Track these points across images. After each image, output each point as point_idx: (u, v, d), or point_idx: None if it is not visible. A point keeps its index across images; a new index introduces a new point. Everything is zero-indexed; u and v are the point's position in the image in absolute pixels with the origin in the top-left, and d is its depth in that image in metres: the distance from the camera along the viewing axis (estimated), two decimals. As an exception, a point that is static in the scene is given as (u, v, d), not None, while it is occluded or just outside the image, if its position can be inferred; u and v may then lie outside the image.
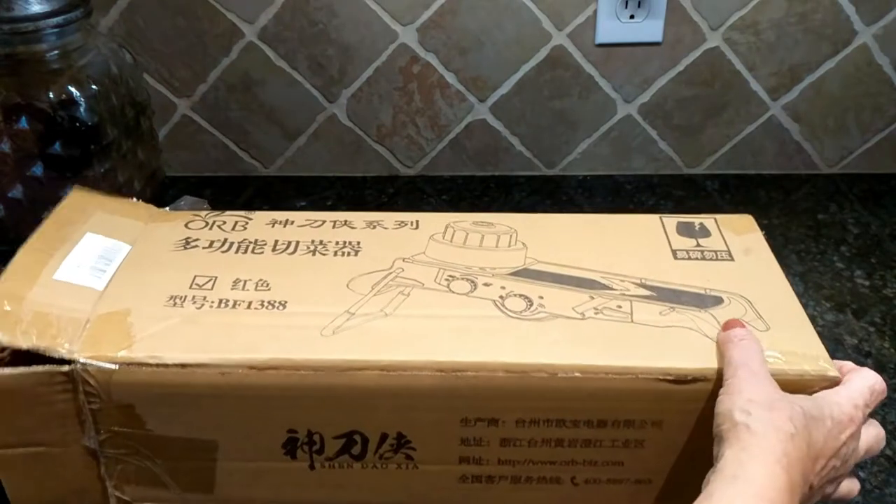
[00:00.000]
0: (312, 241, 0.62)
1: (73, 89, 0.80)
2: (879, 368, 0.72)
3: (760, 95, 0.99)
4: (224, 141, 1.01)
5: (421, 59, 0.96)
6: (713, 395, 0.49)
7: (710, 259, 0.61)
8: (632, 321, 0.54)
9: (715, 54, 0.96)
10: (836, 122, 1.01)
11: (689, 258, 0.61)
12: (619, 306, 0.56)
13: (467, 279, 0.58)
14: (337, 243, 0.62)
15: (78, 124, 0.80)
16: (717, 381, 0.50)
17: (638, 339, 0.53)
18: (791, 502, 0.43)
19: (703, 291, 0.57)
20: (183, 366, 0.50)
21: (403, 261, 0.60)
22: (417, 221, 0.65)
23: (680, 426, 0.52)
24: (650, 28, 0.94)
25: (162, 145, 0.99)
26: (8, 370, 0.50)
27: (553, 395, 0.51)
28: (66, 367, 0.50)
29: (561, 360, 0.51)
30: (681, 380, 0.50)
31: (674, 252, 0.62)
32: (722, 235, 0.64)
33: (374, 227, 0.64)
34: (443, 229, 0.64)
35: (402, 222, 0.65)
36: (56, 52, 0.80)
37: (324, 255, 0.60)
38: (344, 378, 0.51)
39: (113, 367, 0.50)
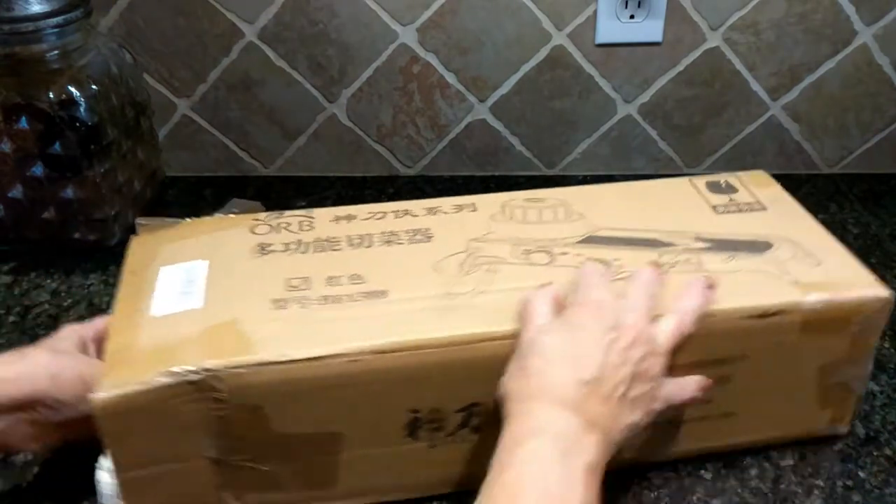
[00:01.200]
0: (383, 233, 0.64)
1: (73, 89, 0.80)
2: (879, 368, 0.72)
3: (760, 95, 0.99)
4: (224, 141, 1.01)
5: (421, 59, 0.96)
6: (793, 327, 0.57)
7: (746, 211, 0.68)
8: (703, 270, 0.60)
9: (715, 54, 0.96)
10: (836, 122, 1.01)
11: (729, 212, 0.67)
12: (688, 259, 0.61)
13: (543, 251, 0.62)
14: (407, 232, 0.64)
15: (78, 124, 0.80)
16: (796, 313, 0.57)
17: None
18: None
19: (752, 238, 0.64)
20: (312, 359, 0.51)
21: (476, 241, 0.63)
22: (473, 204, 0.68)
23: (762, 358, 0.58)
24: (650, 28, 0.94)
25: (162, 145, 0.99)
26: (137, 386, 0.50)
27: None
28: (194, 377, 0.50)
29: (661, 310, 0.55)
30: (766, 314, 0.56)
31: (714, 207, 0.68)
32: (748, 189, 0.70)
33: (435, 213, 0.67)
34: (500, 209, 0.67)
35: (459, 206, 0.68)
36: (56, 52, 0.80)
37: (399, 244, 0.63)
38: (465, 352, 0.53)
39: (243, 369, 0.51)
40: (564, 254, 0.62)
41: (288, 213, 0.67)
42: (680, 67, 0.97)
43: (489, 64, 0.96)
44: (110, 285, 0.83)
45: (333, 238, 0.64)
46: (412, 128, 1.00)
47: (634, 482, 0.61)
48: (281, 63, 0.96)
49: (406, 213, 0.67)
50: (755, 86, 0.98)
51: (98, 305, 0.80)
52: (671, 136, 1.02)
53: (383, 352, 0.52)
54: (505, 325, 0.54)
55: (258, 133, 1.01)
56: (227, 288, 0.58)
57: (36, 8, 0.78)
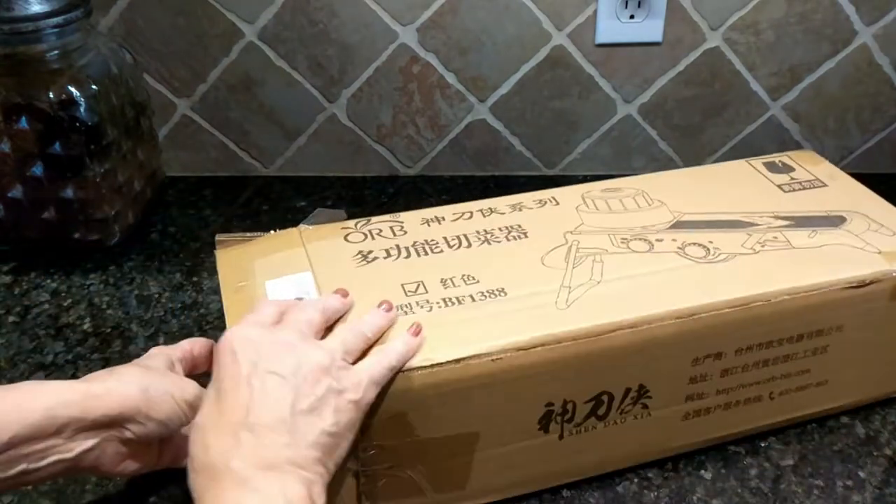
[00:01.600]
0: (478, 232, 0.65)
1: (73, 89, 0.80)
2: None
3: (760, 95, 0.99)
4: (224, 141, 1.01)
5: (421, 59, 0.96)
6: (883, 294, 0.61)
7: (809, 188, 0.71)
8: (792, 247, 0.63)
9: (715, 54, 0.96)
10: (836, 122, 1.01)
11: (794, 190, 0.71)
12: (775, 237, 0.64)
13: (639, 238, 0.64)
14: (502, 230, 0.65)
15: (78, 124, 0.80)
16: (887, 281, 0.61)
17: (808, 259, 0.62)
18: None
19: (825, 213, 0.67)
20: (457, 361, 0.52)
21: (572, 234, 0.65)
22: (553, 197, 0.70)
23: (856, 327, 0.62)
24: (650, 28, 0.93)
25: (162, 145, 0.99)
26: None
27: (766, 321, 0.58)
28: None
29: (769, 289, 0.58)
30: (861, 284, 0.60)
31: (779, 187, 0.71)
32: (804, 168, 0.74)
33: (521, 209, 0.68)
34: (581, 200, 0.69)
35: (541, 200, 0.70)
36: (56, 52, 0.80)
37: (497, 242, 0.64)
38: (600, 342, 0.54)
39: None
40: (660, 240, 0.63)
41: (375, 219, 0.67)
42: (680, 67, 0.97)
43: (489, 64, 0.96)
44: (110, 285, 0.83)
45: (431, 240, 0.64)
46: (412, 128, 1.00)
47: (634, 482, 0.61)
48: (281, 63, 0.96)
49: (492, 211, 0.68)
50: (755, 86, 0.98)
51: (98, 305, 0.80)
52: (671, 136, 1.02)
53: (525, 348, 0.53)
54: (632, 314, 0.55)
55: (258, 133, 1.01)
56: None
57: (36, 8, 0.78)
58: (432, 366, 0.52)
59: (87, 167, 0.82)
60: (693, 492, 0.61)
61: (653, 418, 0.59)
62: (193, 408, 0.53)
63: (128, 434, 0.52)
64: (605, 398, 0.57)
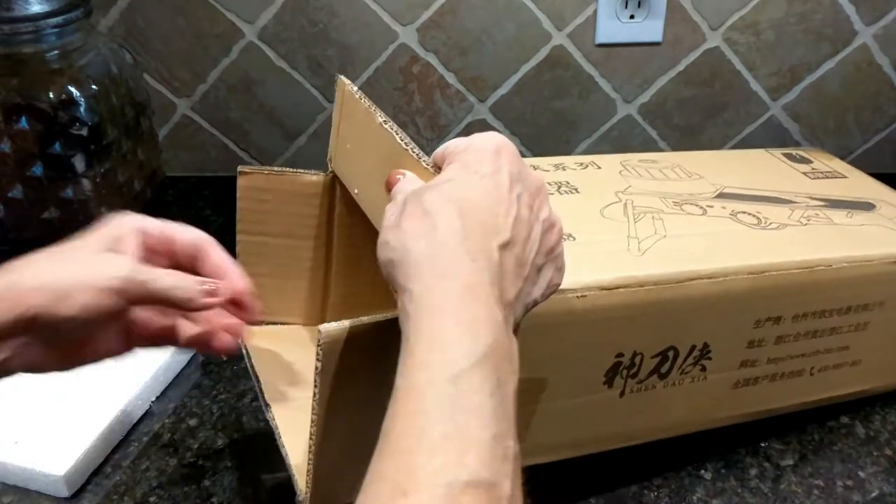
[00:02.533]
0: None
1: (73, 89, 0.80)
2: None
3: (760, 95, 0.99)
4: (224, 141, 1.01)
5: (421, 59, 0.96)
6: None
7: (831, 177, 0.73)
8: (835, 223, 0.64)
9: (715, 54, 0.96)
10: (836, 122, 1.01)
11: (818, 178, 0.72)
12: (817, 214, 0.65)
13: (691, 203, 0.64)
14: (551, 184, 0.65)
15: (78, 124, 0.80)
16: None
17: (855, 235, 0.63)
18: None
19: (855, 199, 0.69)
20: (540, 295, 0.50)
21: (623, 193, 0.64)
22: (594, 162, 0.70)
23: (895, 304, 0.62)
24: (650, 28, 0.94)
25: (162, 145, 0.99)
26: (362, 322, 0.45)
27: (825, 287, 0.59)
28: None
29: (829, 255, 0.59)
30: None
31: (805, 174, 0.73)
32: (820, 161, 0.76)
33: (564, 168, 0.68)
34: (622, 167, 0.69)
35: (583, 164, 0.69)
36: (56, 52, 0.80)
37: (550, 194, 0.61)
38: (678, 290, 0.54)
39: None
40: (711, 206, 0.64)
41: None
42: (680, 67, 0.97)
43: (489, 64, 0.96)
44: (110, 285, 0.83)
45: None
46: (412, 128, 1.00)
47: (634, 482, 0.61)
48: (281, 63, 0.96)
49: (535, 168, 0.65)
50: (755, 86, 0.98)
51: (98, 305, 0.79)
52: (671, 136, 1.02)
53: (608, 288, 0.52)
54: (709, 265, 0.55)
55: (258, 133, 1.01)
56: None
57: (36, 8, 0.78)
58: None
59: (87, 167, 0.82)
60: (693, 492, 0.61)
61: (707, 382, 0.59)
62: (123, 288, 0.44)
63: (41, 338, 0.44)
64: (670, 354, 0.56)
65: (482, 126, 1.00)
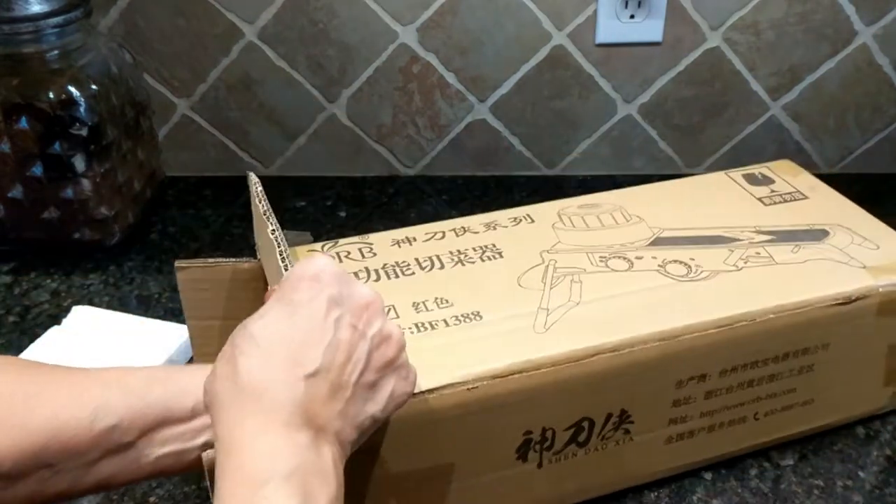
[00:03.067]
0: (451, 253, 0.63)
1: (73, 89, 0.79)
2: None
3: (760, 95, 0.99)
4: (224, 141, 1.01)
5: (421, 59, 0.96)
6: (870, 311, 0.59)
7: (790, 200, 0.70)
8: (776, 263, 0.61)
9: (715, 54, 0.96)
10: (836, 122, 1.01)
11: (775, 202, 0.70)
12: (758, 253, 0.63)
13: (618, 257, 0.62)
14: (475, 249, 0.63)
15: (78, 124, 0.80)
16: (874, 297, 0.59)
17: (792, 276, 0.60)
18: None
19: (807, 227, 0.66)
20: (430, 391, 0.49)
21: (548, 252, 0.63)
22: (529, 215, 0.68)
23: (843, 344, 0.60)
24: (650, 28, 0.93)
25: (162, 145, 0.99)
26: None
27: (752, 340, 0.57)
28: None
29: (755, 307, 0.56)
30: (848, 301, 0.58)
31: (760, 200, 0.70)
32: (783, 179, 0.73)
33: (495, 227, 0.66)
34: (557, 218, 0.67)
35: (516, 218, 0.67)
36: (56, 52, 0.80)
37: (472, 262, 0.62)
38: (580, 367, 0.52)
39: None
40: (640, 258, 0.62)
41: (343, 241, 0.64)
42: (680, 67, 0.97)
43: (489, 64, 0.96)
44: (110, 285, 0.83)
45: (402, 262, 0.61)
46: (412, 128, 1.00)
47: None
48: (281, 63, 0.96)
49: (465, 230, 0.66)
50: (755, 86, 0.98)
51: (98, 305, 0.80)
52: (671, 136, 1.02)
53: (502, 376, 0.51)
54: (614, 337, 0.53)
55: (258, 133, 1.01)
56: None
57: (36, 8, 0.78)
58: None
59: (87, 167, 0.82)
60: (693, 492, 0.61)
61: (635, 443, 0.57)
62: None
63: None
64: (585, 424, 0.54)
65: (482, 126, 1.00)
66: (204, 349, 0.62)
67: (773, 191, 0.71)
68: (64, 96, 0.79)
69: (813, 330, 0.58)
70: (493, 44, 0.95)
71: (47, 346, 0.72)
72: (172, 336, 0.72)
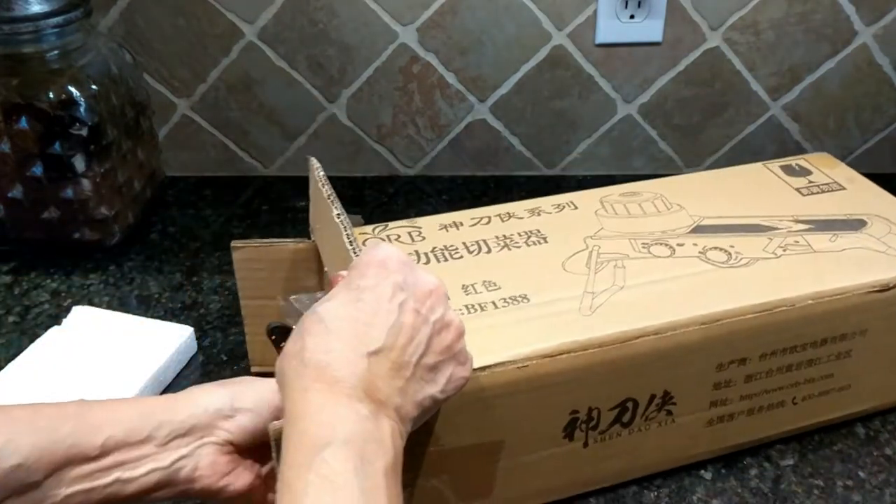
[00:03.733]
0: (497, 238, 0.64)
1: (73, 89, 0.80)
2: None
3: (760, 95, 0.99)
4: (224, 141, 1.01)
5: (421, 59, 0.96)
6: None
7: (828, 191, 0.71)
8: (814, 251, 0.63)
9: (715, 54, 0.96)
10: (836, 122, 1.01)
11: (813, 193, 0.71)
12: (796, 241, 0.64)
13: (660, 243, 0.63)
14: (521, 234, 0.65)
15: (78, 124, 0.80)
16: None
17: (830, 264, 0.61)
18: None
19: (845, 217, 0.67)
20: (482, 369, 0.50)
21: (592, 238, 0.64)
22: (572, 202, 0.69)
23: (880, 330, 0.61)
24: (650, 28, 0.93)
25: (162, 145, 0.99)
26: None
27: (790, 325, 0.58)
28: None
29: (793, 293, 0.57)
30: (885, 288, 0.59)
31: (798, 190, 0.71)
32: (820, 171, 0.74)
33: (539, 213, 0.68)
34: (600, 205, 0.69)
35: (559, 205, 0.69)
36: (56, 52, 0.80)
37: (517, 247, 0.63)
38: (625, 349, 0.54)
39: None
40: (681, 245, 0.63)
41: (392, 224, 0.66)
42: (680, 67, 0.97)
43: (489, 64, 0.96)
44: (110, 285, 0.83)
45: (450, 246, 0.63)
46: (412, 128, 1.00)
47: (634, 482, 0.61)
48: (281, 63, 0.96)
49: (510, 216, 0.67)
50: (755, 86, 0.98)
51: (98, 305, 0.80)
52: (671, 136, 1.02)
53: (551, 356, 0.52)
54: (656, 321, 0.55)
55: (258, 133, 1.01)
56: None
57: (36, 8, 0.78)
58: None
59: (87, 167, 0.82)
60: (693, 492, 0.61)
61: (677, 425, 0.59)
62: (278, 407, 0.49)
63: (221, 434, 0.48)
64: (629, 405, 0.56)
65: (482, 126, 1.00)
66: (258, 328, 0.63)
67: (810, 182, 0.72)
68: (64, 96, 0.79)
69: (851, 316, 0.60)
70: (493, 44, 0.95)
71: (47, 346, 0.72)
72: (172, 336, 0.72)
